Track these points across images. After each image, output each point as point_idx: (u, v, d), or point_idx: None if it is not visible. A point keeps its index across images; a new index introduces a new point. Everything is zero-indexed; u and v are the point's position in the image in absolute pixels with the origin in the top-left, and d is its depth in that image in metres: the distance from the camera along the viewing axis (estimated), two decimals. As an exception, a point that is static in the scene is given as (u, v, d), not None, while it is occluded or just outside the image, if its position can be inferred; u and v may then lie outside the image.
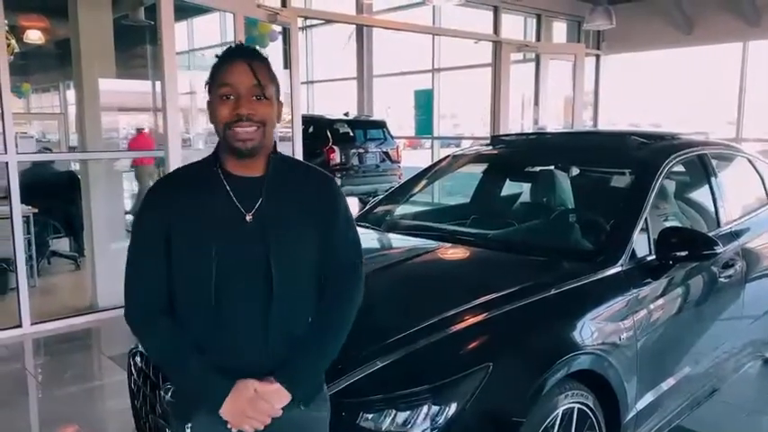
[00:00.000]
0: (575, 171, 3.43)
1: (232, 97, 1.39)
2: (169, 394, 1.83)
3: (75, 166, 6.87)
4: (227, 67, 1.41)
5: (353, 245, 1.56)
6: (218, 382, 1.39)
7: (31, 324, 4.66)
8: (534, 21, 8.90)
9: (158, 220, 1.43)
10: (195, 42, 13.18)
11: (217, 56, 1.46)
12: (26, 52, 9.09)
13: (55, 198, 6.24)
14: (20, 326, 4.62)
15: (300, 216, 1.45)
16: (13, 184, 4.53)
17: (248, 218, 1.41)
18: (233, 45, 1.50)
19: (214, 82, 1.43)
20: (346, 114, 10.55)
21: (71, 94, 13.79)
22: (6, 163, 4.48)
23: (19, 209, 4.61)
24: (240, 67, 1.40)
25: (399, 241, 2.99)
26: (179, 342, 1.42)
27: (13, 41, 6.68)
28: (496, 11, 8.09)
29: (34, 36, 8.57)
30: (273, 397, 1.40)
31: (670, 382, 2.59)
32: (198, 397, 1.42)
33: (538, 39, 8.83)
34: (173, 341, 1.42)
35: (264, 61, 1.44)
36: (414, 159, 11.61)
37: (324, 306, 1.50)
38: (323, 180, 1.54)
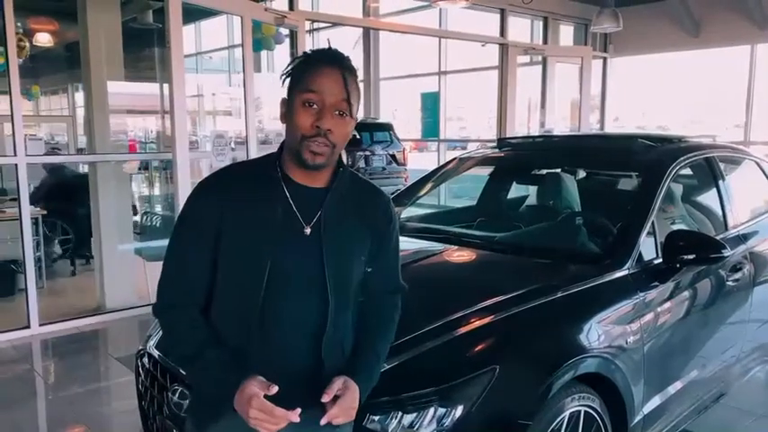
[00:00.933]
0: (581, 174, 3.43)
1: (315, 106, 1.30)
2: (186, 403, 1.83)
3: (84, 169, 6.91)
4: (316, 71, 1.31)
5: (399, 266, 1.60)
6: (230, 378, 1.31)
7: (40, 325, 4.69)
8: (541, 23, 8.89)
9: (212, 213, 1.35)
10: (203, 45, 13.23)
11: (306, 53, 1.36)
12: (35, 55, 9.15)
13: (77, 200, 6.30)
14: (28, 327, 4.66)
15: (358, 234, 1.42)
16: (23, 185, 4.57)
17: (307, 230, 1.35)
18: (327, 48, 1.37)
19: (298, 83, 1.32)
20: (353, 117, 10.55)
21: (80, 97, 13.87)
22: (16, 165, 4.52)
23: (28, 210, 4.65)
24: (333, 75, 1.30)
25: (406, 244, 2.96)
26: (202, 335, 1.37)
27: (28, 44, 6.76)
28: (503, 13, 8.08)
29: (43, 39, 8.62)
30: (354, 398, 1.36)
31: (677, 385, 2.59)
32: (215, 394, 1.34)
33: (545, 41, 8.82)
34: (196, 333, 1.37)
35: (356, 74, 1.36)
36: (420, 162, 11.62)
37: (384, 321, 1.53)
38: (383, 200, 1.51)
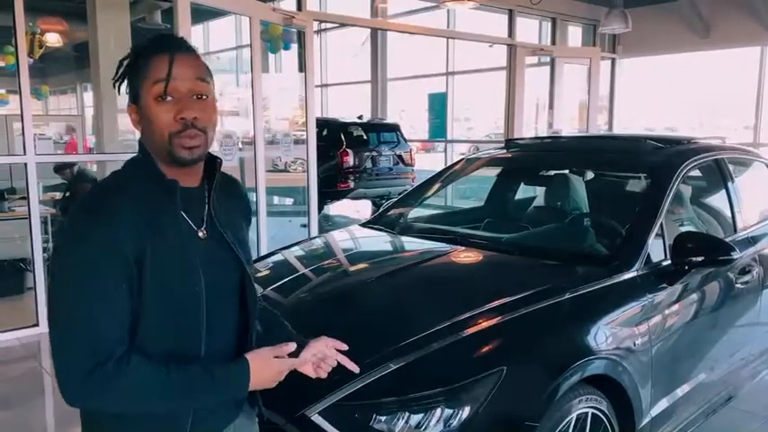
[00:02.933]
0: (589, 175, 3.42)
1: (171, 98, 1.17)
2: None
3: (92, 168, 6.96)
4: (159, 59, 1.18)
5: None
6: (235, 368, 1.23)
7: (48, 323, 4.72)
8: (549, 24, 8.87)
9: (131, 236, 1.13)
10: (211, 46, 13.28)
11: (136, 47, 1.22)
12: (45, 55, 9.21)
13: None
14: (37, 325, 4.68)
15: (242, 226, 1.38)
16: (32, 184, 4.59)
17: (201, 234, 1.24)
18: (161, 34, 1.26)
19: (142, 77, 1.18)
20: (360, 117, 10.57)
21: (88, 97, 13.95)
22: (25, 164, 4.55)
23: (37, 209, 4.67)
24: (176, 60, 1.18)
25: (413, 244, 2.99)
26: (167, 364, 1.16)
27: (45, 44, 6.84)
28: (511, 14, 8.07)
29: (53, 39, 8.69)
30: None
31: (685, 388, 2.57)
32: (227, 394, 1.26)
33: (553, 42, 8.79)
34: (163, 367, 1.16)
35: (197, 52, 1.24)
36: (427, 163, 11.62)
37: None
38: (242, 188, 1.45)
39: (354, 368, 1.42)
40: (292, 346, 1.28)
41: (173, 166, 1.22)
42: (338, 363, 1.40)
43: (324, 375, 1.38)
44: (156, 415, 1.22)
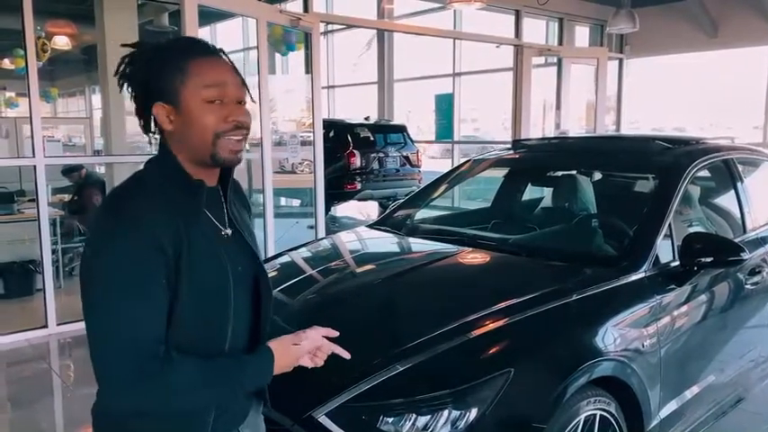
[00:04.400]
0: (597, 176, 3.41)
1: (217, 102, 1.19)
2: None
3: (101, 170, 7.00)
4: (206, 62, 1.20)
5: None
6: (261, 357, 1.26)
7: (57, 324, 4.74)
8: (556, 24, 8.85)
9: (166, 236, 1.14)
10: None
11: (172, 45, 1.22)
12: (54, 57, 9.27)
13: None
14: (46, 326, 4.71)
15: (251, 224, 1.41)
16: (41, 186, 4.62)
17: (224, 233, 1.27)
18: (190, 37, 1.27)
19: (185, 78, 1.17)
20: (367, 119, 10.58)
21: (97, 99, 14.03)
22: (34, 166, 4.58)
23: (46, 211, 4.70)
24: (224, 65, 1.21)
25: (420, 245, 2.99)
26: (202, 358, 1.19)
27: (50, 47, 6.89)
28: (518, 15, 8.05)
29: (61, 42, 8.74)
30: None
31: (694, 390, 2.56)
32: (255, 382, 1.28)
33: (560, 42, 8.77)
34: (199, 361, 1.18)
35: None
36: (433, 164, 11.62)
37: None
38: (240, 185, 1.44)
39: (346, 355, 1.39)
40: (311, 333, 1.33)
41: (206, 167, 1.23)
42: (344, 364, 1.40)
43: (320, 364, 1.37)
44: (181, 412, 1.22)
